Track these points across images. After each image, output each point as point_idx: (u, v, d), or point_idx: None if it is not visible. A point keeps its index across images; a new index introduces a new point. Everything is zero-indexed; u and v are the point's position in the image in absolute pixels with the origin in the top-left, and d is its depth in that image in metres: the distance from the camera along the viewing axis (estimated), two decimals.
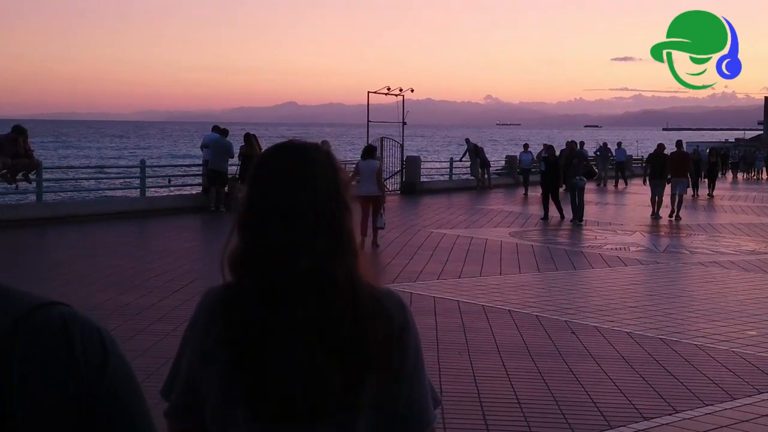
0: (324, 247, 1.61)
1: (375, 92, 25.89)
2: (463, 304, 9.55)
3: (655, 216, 20.36)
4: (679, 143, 22.48)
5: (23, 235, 14.86)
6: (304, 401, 1.56)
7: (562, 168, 20.70)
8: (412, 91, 26.60)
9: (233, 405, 1.60)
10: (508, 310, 9.29)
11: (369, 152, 14.59)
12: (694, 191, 27.05)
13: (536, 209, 21.56)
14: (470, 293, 10.21)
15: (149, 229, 16.90)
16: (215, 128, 20.26)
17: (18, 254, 13.00)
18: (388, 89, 26.11)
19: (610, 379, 6.72)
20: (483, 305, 9.50)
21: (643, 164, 41.38)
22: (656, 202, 20.56)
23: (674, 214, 20.21)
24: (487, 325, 8.52)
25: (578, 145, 22.97)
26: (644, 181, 21.41)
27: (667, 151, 21.00)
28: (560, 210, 19.46)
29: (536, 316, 9.03)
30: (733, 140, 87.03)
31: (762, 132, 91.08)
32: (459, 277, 11.39)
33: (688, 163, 21.32)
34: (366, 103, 26.13)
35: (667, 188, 20.67)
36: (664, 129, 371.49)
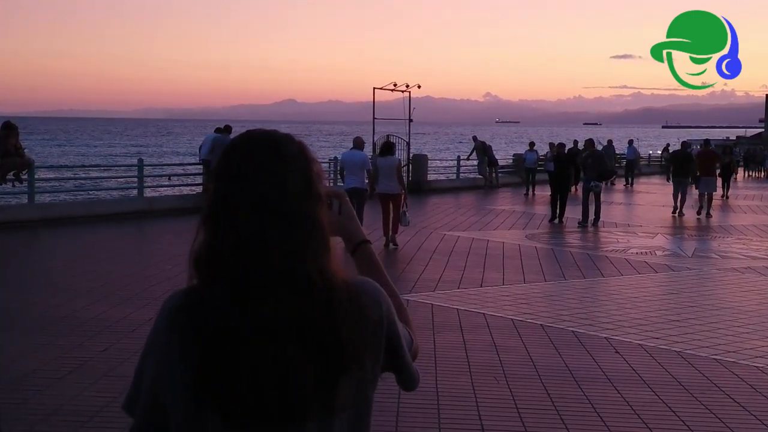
0: (296, 243, 1.54)
1: (381, 88, 25.06)
2: (490, 317, 8.72)
3: (678, 214, 20.24)
4: (707, 142, 21.89)
5: (13, 238, 14.02)
6: (277, 402, 1.50)
7: (580, 167, 19.86)
8: (419, 87, 25.83)
9: (201, 414, 1.52)
10: (541, 324, 8.46)
11: (387, 149, 14.09)
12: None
13: (546, 209, 20.74)
14: (496, 305, 9.38)
15: (147, 232, 16.06)
16: (217, 130, 19.47)
17: (6, 260, 12.15)
18: (395, 85, 25.29)
19: (672, 410, 5.89)
20: (512, 319, 8.67)
21: (663, 162, 40.87)
22: (679, 199, 20.37)
23: (704, 213, 20.24)
24: (521, 343, 7.70)
25: (594, 144, 21.99)
26: (668, 179, 21.04)
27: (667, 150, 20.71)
28: (562, 212, 18.54)
29: (572, 331, 8.20)
30: (734, 138, 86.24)
31: (763, 130, 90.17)
32: (481, 286, 10.56)
33: (717, 161, 21.03)
34: (367, 100, 25.31)
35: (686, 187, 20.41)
36: (663, 127, 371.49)
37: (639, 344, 7.77)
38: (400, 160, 14.52)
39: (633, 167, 33.33)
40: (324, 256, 1.57)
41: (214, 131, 19.63)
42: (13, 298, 9.26)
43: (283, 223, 1.54)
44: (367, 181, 13.76)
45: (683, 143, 21.05)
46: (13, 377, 6.28)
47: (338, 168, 14.48)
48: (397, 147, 24.85)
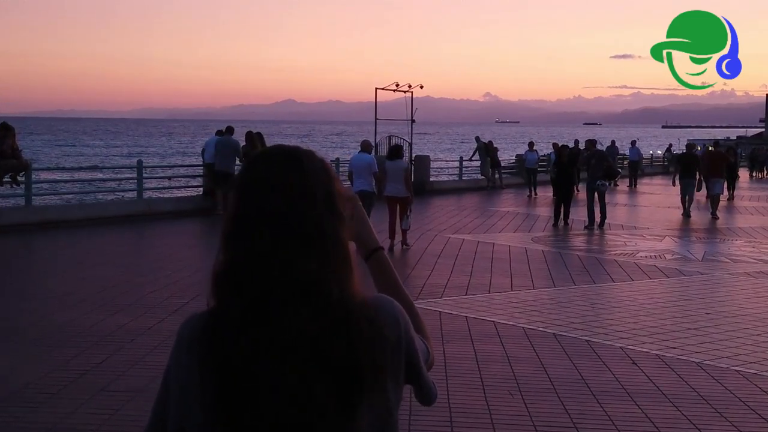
0: (317, 260, 1.50)
1: (383, 89, 24.79)
2: (501, 326, 8.44)
3: (686, 214, 20.21)
4: (716, 143, 21.73)
5: (8, 242, 13.74)
6: (294, 424, 1.45)
7: (581, 169, 19.56)
8: (422, 87, 25.57)
9: None
10: (553, 333, 8.18)
11: (396, 152, 14.14)
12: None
13: (550, 211, 20.44)
14: (506, 312, 9.10)
15: (147, 235, 15.78)
16: (219, 133, 19.15)
17: (0, 265, 11.86)
18: (397, 85, 25.02)
19: (696, 427, 5.61)
20: (523, 327, 8.39)
21: (666, 162, 40.81)
22: (687, 201, 20.34)
23: (712, 214, 20.16)
24: (533, 353, 7.42)
25: (595, 144, 21.54)
26: (673, 182, 21.00)
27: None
28: (566, 214, 18.23)
29: (586, 341, 7.92)
30: (735, 138, 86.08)
31: (764, 129, 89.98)
32: (489, 292, 10.28)
33: (726, 162, 20.94)
34: (367, 100, 25.13)
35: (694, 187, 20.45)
36: (663, 126, 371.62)
37: (656, 355, 7.49)
38: (408, 163, 14.41)
39: (637, 168, 33.02)
40: (345, 275, 1.53)
41: (216, 134, 19.30)
42: (6, 305, 8.98)
43: (304, 239, 1.51)
44: (374, 183, 13.64)
45: (688, 145, 20.92)
46: (5, 392, 5.99)
47: (348, 172, 14.33)
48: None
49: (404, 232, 13.76)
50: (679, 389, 6.48)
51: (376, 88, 24.62)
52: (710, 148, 29.68)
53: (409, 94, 25.55)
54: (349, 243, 1.58)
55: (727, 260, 13.68)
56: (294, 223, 1.51)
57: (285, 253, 1.49)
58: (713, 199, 20.43)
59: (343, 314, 1.50)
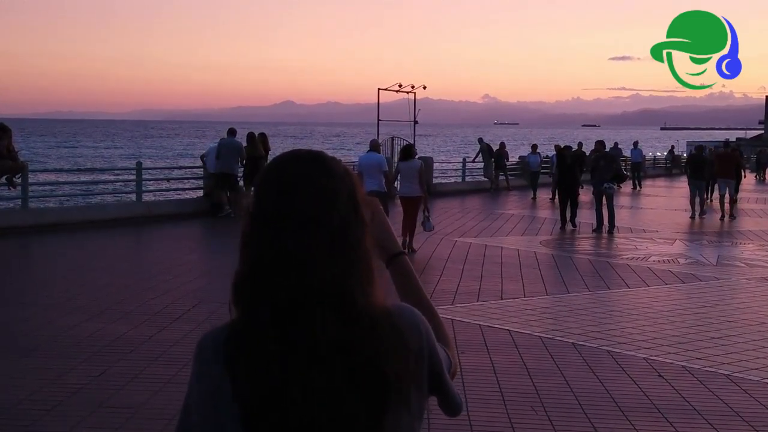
0: (341, 264, 1.46)
1: (386, 89, 24.46)
2: (516, 335, 8.09)
3: (694, 216, 20.10)
4: (726, 143, 21.51)
5: (4, 246, 13.36)
6: None
7: (588, 171, 19.21)
8: (425, 88, 25.26)
9: None
10: (572, 342, 7.83)
11: (408, 152, 14.03)
12: (709, 195, 25.83)
13: (555, 214, 20.10)
14: (521, 320, 8.75)
15: (146, 238, 15.43)
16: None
17: None
18: (400, 86, 24.69)
19: None
20: (540, 336, 8.04)
21: (668, 164, 40.62)
22: (695, 203, 20.22)
23: (725, 216, 20.12)
24: (554, 365, 7.06)
25: (604, 146, 21.02)
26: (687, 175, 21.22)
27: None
28: (573, 215, 17.89)
29: (607, 351, 7.58)
30: (735, 139, 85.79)
31: (763, 131, 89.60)
32: (501, 298, 9.93)
33: (737, 162, 20.81)
34: (365, 101, 25.52)
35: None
36: (662, 128, 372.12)
37: (682, 366, 7.14)
38: (422, 163, 14.14)
39: (639, 169, 32.72)
40: (368, 282, 1.49)
41: (220, 140, 18.91)
42: (1, 312, 8.62)
43: (330, 242, 1.46)
44: (384, 183, 13.39)
45: (699, 147, 20.75)
46: None
47: (357, 172, 14.02)
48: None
49: (413, 234, 13.49)
50: (710, 404, 6.13)
51: (379, 89, 24.30)
52: (712, 149, 29.42)
53: (410, 96, 25.23)
54: (372, 250, 1.53)
55: (743, 265, 13.34)
56: (318, 226, 1.46)
57: (308, 257, 1.45)
58: (723, 200, 20.18)
59: (368, 322, 1.47)
